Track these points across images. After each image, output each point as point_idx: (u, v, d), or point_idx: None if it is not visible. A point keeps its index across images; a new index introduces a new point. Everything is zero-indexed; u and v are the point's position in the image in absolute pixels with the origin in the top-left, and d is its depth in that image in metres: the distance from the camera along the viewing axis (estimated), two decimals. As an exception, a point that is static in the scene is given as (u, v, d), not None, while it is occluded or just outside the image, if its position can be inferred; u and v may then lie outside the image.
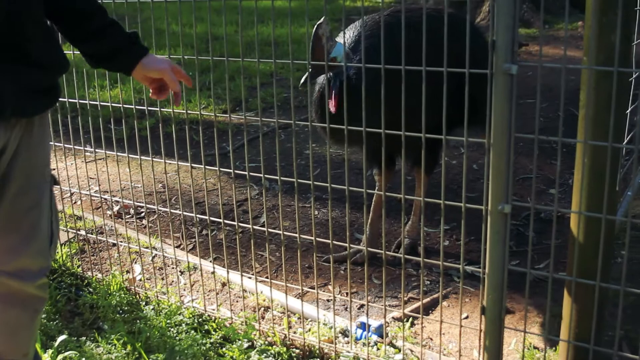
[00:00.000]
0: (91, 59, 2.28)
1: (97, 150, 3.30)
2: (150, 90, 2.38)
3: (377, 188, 3.73)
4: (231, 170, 2.79)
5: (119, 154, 3.21)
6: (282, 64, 7.64)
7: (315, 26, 2.76)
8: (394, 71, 2.30)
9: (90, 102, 3.25)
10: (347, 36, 3.25)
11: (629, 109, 3.09)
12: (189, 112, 3.05)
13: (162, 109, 2.94)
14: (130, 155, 3.16)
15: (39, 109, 2.04)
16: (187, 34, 7.61)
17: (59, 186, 3.60)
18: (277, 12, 12.42)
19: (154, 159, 3.05)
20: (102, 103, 3.19)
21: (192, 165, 2.97)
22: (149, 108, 3.06)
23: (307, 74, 2.77)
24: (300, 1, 12.53)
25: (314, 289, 2.96)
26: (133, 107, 3.06)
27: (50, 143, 2.28)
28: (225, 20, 2.74)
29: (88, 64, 2.32)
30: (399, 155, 3.60)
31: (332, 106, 3.03)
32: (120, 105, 3.14)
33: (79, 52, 3.11)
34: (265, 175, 2.72)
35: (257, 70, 2.63)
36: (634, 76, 3.48)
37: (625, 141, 2.70)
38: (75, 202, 4.41)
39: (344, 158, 5.06)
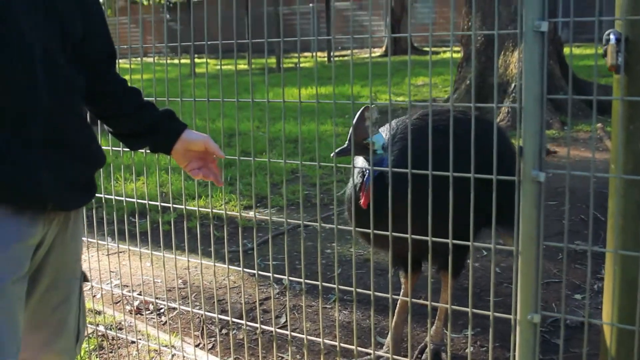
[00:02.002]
0: (129, 139, 2.27)
1: (119, 244, 3.31)
2: (190, 174, 2.32)
3: (402, 292, 3.67)
4: (255, 272, 2.77)
5: (142, 250, 3.21)
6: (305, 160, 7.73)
7: (363, 107, 2.79)
8: (424, 175, 2.29)
9: (116, 198, 3.27)
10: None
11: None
12: (213, 209, 3.06)
13: (186, 207, 2.96)
14: (153, 252, 3.15)
15: (78, 203, 2.05)
16: (212, 128, 7.72)
17: (89, 282, 3.57)
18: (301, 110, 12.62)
19: (177, 257, 3.04)
20: (126, 199, 3.21)
21: (215, 264, 2.96)
22: (174, 205, 3.07)
23: (343, 146, 2.81)
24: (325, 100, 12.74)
25: (335, 394, 2.89)
26: (158, 204, 3.08)
27: (83, 239, 2.27)
28: (252, 116, 2.77)
29: (126, 145, 2.31)
30: (426, 258, 3.55)
31: (362, 201, 2.98)
32: (146, 201, 3.15)
33: (107, 147, 3.19)
34: (290, 278, 2.70)
35: (280, 168, 2.65)
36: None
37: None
38: (94, 296, 4.38)
39: (366, 258, 5.05)
